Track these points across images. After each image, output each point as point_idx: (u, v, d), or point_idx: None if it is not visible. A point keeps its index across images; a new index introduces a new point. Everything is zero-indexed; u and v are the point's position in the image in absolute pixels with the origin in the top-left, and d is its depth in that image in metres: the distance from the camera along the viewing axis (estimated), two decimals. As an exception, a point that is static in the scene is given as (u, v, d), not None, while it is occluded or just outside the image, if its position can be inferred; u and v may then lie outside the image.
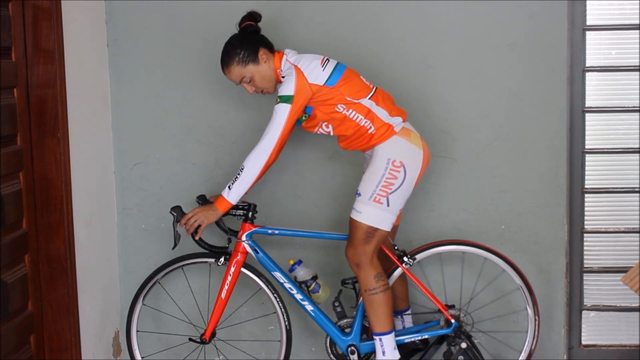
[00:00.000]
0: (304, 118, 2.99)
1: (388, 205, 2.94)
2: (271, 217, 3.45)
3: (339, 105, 2.94)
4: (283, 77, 2.95)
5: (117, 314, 3.52)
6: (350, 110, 2.95)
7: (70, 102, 2.97)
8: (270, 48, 3.01)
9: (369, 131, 2.96)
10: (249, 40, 2.97)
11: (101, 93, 3.37)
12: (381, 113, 2.97)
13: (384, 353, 3.03)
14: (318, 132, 3.06)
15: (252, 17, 3.02)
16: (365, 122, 2.96)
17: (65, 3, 2.93)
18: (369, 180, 2.96)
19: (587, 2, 3.40)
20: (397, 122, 2.98)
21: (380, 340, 3.03)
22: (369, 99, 2.96)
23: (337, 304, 3.17)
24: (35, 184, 2.90)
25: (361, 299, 3.09)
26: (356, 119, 2.96)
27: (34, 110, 2.87)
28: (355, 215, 2.97)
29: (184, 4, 3.37)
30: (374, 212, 2.94)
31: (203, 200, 3.08)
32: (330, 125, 3.01)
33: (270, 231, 3.11)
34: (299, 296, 3.11)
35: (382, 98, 3.00)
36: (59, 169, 2.91)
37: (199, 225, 2.98)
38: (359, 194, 2.97)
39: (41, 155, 2.90)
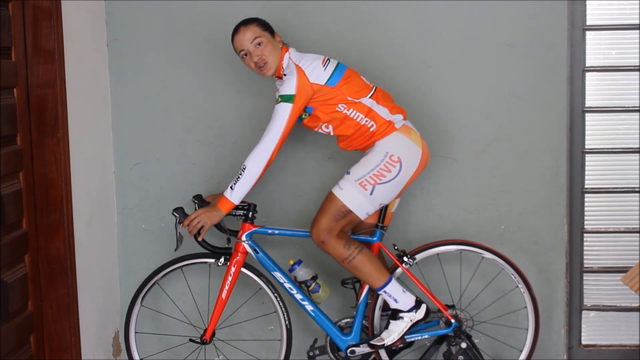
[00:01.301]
0: (304, 116, 2.99)
1: (371, 194, 2.93)
2: (271, 217, 3.45)
3: (339, 105, 2.94)
4: (284, 74, 2.95)
5: (117, 314, 3.51)
6: (351, 110, 2.95)
7: (70, 102, 2.97)
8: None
9: (371, 129, 2.97)
10: (269, 24, 3.02)
11: (101, 93, 3.37)
12: (382, 111, 2.97)
13: (396, 300, 3.02)
14: (318, 131, 3.06)
15: None
16: (367, 120, 2.96)
17: (65, 3, 2.93)
18: (362, 165, 2.96)
19: (587, 2, 3.40)
20: (398, 119, 2.99)
21: (386, 292, 3.02)
22: (370, 97, 2.97)
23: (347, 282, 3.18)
24: (35, 184, 2.90)
25: (361, 298, 3.10)
26: (357, 118, 2.96)
27: (34, 110, 2.87)
28: (336, 191, 2.97)
29: (184, 3, 3.37)
30: (355, 195, 2.94)
31: (199, 200, 3.08)
32: (330, 126, 3.01)
33: (270, 231, 3.11)
34: (299, 296, 3.11)
35: (382, 97, 3.01)
36: (59, 169, 2.91)
37: (202, 227, 2.98)
38: (348, 173, 2.97)
39: (41, 155, 2.89)
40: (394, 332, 3.04)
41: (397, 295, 3.02)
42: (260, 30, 2.95)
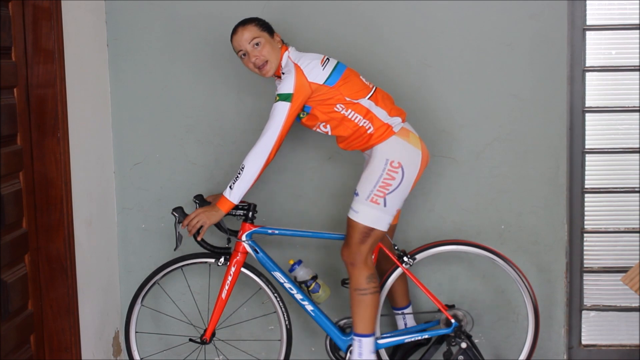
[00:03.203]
0: (302, 115, 2.99)
1: (385, 205, 2.94)
2: (271, 217, 3.45)
3: (337, 105, 2.94)
4: (283, 73, 2.95)
5: (117, 313, 3.52)
6: (349, 110, 2.95)
7: (70, 102, 2.97)
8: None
9: (368, 131, 2.96)
10: (268, 23, 3.01)
11: (101, 93, 3.37)
12: (380, 113, 2.97)
13: (360, 354, 3.04)
14: (316, 130, 3.06)
15: None
16: (364, 122, 2.96)
17: (65, 3, 2.93)
18: (367, 181, 2.96)
19: (587, 2, 3.40)
20: (396, 122, 2.98)
21: (360, 341, 3.03)
22: (368, 99, 2.96)
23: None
24: (35, 184, 2.90)
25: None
26: (355, 119, 2.96)
27: (34, 110, 2.87)
28: (352, 215, 2.98)
29: (184, 3, 3.37)
30: (371, 212, 2.94)
31: (200, 200, 3.08)
32: (328, 126, 3.01)
33: (270, 231, 3.11)
34: (299, 296, 3.12)
35: (382, 98, 3.00)
36: (59, 169, 2.91)
37: (202, 227, 2.98)
38: (357, 194, 2.97)
39: (41, 155, 2.90)
40: None
41: (365, 351, 3.04)
42: (259, 31, 2.95)
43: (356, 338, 3.04)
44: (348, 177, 3.38)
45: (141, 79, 3.43)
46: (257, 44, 2.93)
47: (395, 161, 2.94)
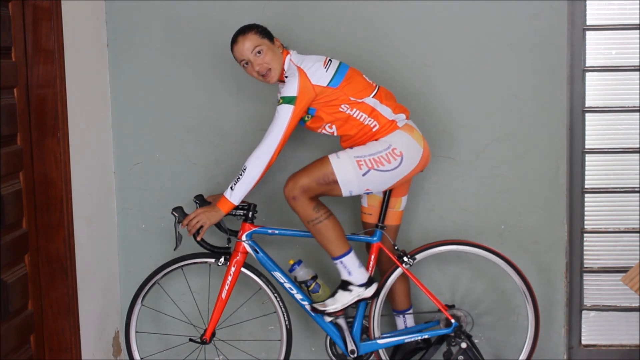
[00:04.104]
0: (306, 118, 2.99)
1: (364, 175, 2.93)
2: (271, 217, 3.45)
3: (342, 105, 2.94)
4: (286, 76, 2.94)
5: (117, 313, 3.52)
6: (354, 110, 2.95)
7: (70, 102, 2.97)
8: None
9: (374, 129, 2.96)
10: (267, 29, 3.00)
11: (101, 93, 3.37)
12: (385, 111, 2.97)
13: (350, 273, 3.02)
14: (321, 132, 3.06)
15: None
16: (370, 120, 2.96)
17: (65, 3, 2.93)
18: (366, 147, 2.96)
19: (587, 2, 3.40)
20: (400, 118, 3.00)
21: (342, 262, 3.01)
22: (373, 97, 2.97)
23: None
24: (35, 184, 2.90)
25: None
26: (360, 117, 2.96)
27: (34, 110, 2.87)
28: (331, 156, 2.96)
29: (184, 4, 3.37)
30: (348, 169, 2.93)
31: (200, 200, 3.08)
32: (334, 126, 3.01)
33: (270, 231, 3.11)
34: (299, 296, 3.12)
35: (385, 96, 3.01)
36: (59, 169, 2.91)
37: (201, 227, 2.98)
38: (351, 148, 2.97)
39: (41, 155, 2.90)
40: (338, 302, 3.04)
41: (352, 268, 3.02)
42: (259, 38, 2.93)
43: (336, 262, 3.02)
44: (348, 177, 3.38)
45: (141, 79, 3.42)
46: (259, 52, 2.92)
47: (397, 149, 2.94)
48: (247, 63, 2.95)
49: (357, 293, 3.02)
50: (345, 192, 2.96)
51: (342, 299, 3.03)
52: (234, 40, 2.95)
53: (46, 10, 2.84)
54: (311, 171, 2.95)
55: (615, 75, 3.46)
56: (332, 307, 3.03)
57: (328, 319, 3.10)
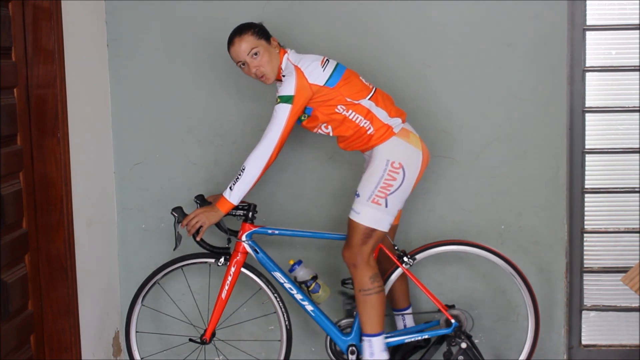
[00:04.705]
0: (303, 117, 2.99)
1: (386, 206, 2.94)
2: (271, 217, 3.45)
3: (338, 106, 2.94)
4: (283, 75, 2.94)
5: (117, 314, 3.52)
6: (350, 111, 2.95)
7: (70, 102, 2.97)
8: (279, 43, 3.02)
9: (368, 132, 2.96)
10: (264, 28, 2.99)
11: (101, 93, 3.37)
12: (380, 114, 2.97)
13: (372, 354, 3.04)
14: (317, 132, 3.06)
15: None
16: (365, 122, 2.96)
17: (65, 3, 2.93)
18: (368, 182, 2.96)
19: (587, 2, 3.40)
20: (396, 123, 2.98)
21: (370, 341, 3.03)
22: (369, 99, 2.96)
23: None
24: (35, 184, 2.90)
25: (361, 299, 3.10)
26: (356, 119, 2.96)
27: (34, 110, 2.87)
28: (353, 216, 2.98)
29: (183, 3, 3.37)
30: (372, 213, 2.94)
31: (201, 200, 3.08)
32: (329, 126, 3.01)
33: (270, 231, 3.11)
34: (299, 296, 3.12)
35: (382, 99, 3.00)
36: (59, 169, 2.91)
37: (201, 227, 2.98)
38: (358, 195, 2.97)
39: (41, 155, 2.90)
40: None
41: (377, 350, 3.03)
42: (256, 40, 2.93)
43: (366, 338, 3.03)
44: (348, 177, 3.38)
45: (141, 79, 3.42)
46: (255, 54, 2.92)
47: (396, 162, 2.94)
48: (243, 64, 2.95)
49: None
50: (386, 229, 2.99)
51: None
52: (230, 41, 2.95)
53: (46, 10, 2.84)
54: (352, 240, 2.98)
55: (615, 75, 3.46)
56: None
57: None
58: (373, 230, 2.95)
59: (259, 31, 2.95)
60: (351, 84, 2.96)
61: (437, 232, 3.44)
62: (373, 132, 2.96)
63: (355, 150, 3.07)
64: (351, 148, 3.07)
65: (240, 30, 2.94)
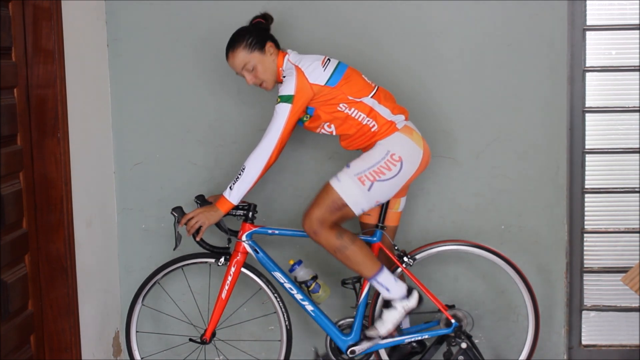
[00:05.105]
0: (305, 118, 2.99)
1: (369, 190, 2.91)
2: (271, 217, 3.45)
3: (340, 105, 2.94)
4: (284, 76, 2.95)
5: (117, 314, 3.52)
6: (353, 109, 2.95)
7: (70, 102, 2.97)
8: (277, 45, 3.02)
9: (372, 129, 2.96)
10: (258, 31, 2.98)
11: (101, 93, 3.37)
12: (384, 111, 2.97)
13: (388, 289, 2.98)
14: (320, 132, 3.05)
15: (264, 17, 3.04)
16: (368, 120, 2.95)
17: (65, 3, 2.93)
18: (363, 160, 2.94)
19: (587, 2, 3.40)
20: (399, 119, 2.99)
21: (377, 281, 2.98)
22: (371, 97, 2.96)
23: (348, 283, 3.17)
24: (35, 184, 2.90)
25: (361, 298, 3.09)
26: (358, 117, 2.95)
27: (34, 110, 2.87)
28: (333, 182, 2.94)
29: (183, 3, 3.37)
30: (353, 189, 2.91)
31: (201, 200, 3.08)
32: (332, 125, 3.01)
33: (270, 231, 3.11)
34: (299, 296, 3.11)
35: (384, 97, 3.00)
36: (59, 169, 2.91)
37: (200, 226, 2.98)
38: (348, 166, 2.95)
39: (41, 155, 2.90)
40: (387, 322, 3.01)
41: (389, 284, 2.98)
42: (248, 54, 2.94)
43: (373, 282, 2.98)
44: (348, 177, 3.38)
45: (141, 79, 3.43)
46: (250, 69, 2.96)
47: (396, 154, 2.93)
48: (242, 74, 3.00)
49: (402, 307, 3.00)
50: (357, 212, 2.95)
51: (391, 318, 3.01)
52: (226, 53, 3.00)
53: (46, 10, 2.84)
54: (319, 202, 2.93)
55: (615, 76, 3.46)
56: (383, 329, 3.02)
57: (382, 341, 3.07)
58: (344, 204, 2.91)
59: (252, 42, 2.95)
60: (353, 82, 2.96)
61: (437, 232, 3.44)
62: (377, 129, 2.96)
63: (358, 149, 3.07)
64: (353, 147, 3.06)
65: (233, 44, 2.97)
